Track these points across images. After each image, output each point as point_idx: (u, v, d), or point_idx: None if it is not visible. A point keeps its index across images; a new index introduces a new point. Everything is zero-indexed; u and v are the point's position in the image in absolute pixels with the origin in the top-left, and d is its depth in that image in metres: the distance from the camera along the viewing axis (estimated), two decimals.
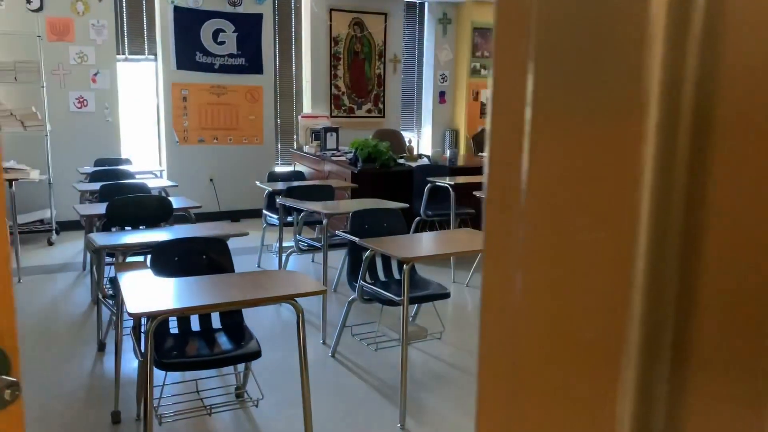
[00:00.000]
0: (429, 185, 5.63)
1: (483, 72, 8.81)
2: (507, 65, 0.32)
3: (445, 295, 3.50)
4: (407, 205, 4.42)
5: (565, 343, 0.32)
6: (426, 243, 3.32)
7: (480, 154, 7.33)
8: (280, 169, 8.08)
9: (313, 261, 5.88)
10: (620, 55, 0.28)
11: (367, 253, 3.28)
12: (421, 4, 8.73)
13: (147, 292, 2.41)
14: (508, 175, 0.35)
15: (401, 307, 3.48)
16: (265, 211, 5.56)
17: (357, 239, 3.38)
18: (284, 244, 5.12)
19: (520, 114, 0.33)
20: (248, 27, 7.49)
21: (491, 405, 0.38)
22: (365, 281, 3.44)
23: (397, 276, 3.79)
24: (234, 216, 7.65)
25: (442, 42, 8.81)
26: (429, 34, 8.81)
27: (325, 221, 4.03)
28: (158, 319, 2.17)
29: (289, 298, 2.37)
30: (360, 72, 8.28)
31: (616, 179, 0.28)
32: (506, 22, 0.32)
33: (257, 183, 5.52)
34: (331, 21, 8.01)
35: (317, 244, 4.43)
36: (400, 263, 3.77)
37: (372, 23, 8.24)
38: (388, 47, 8.39)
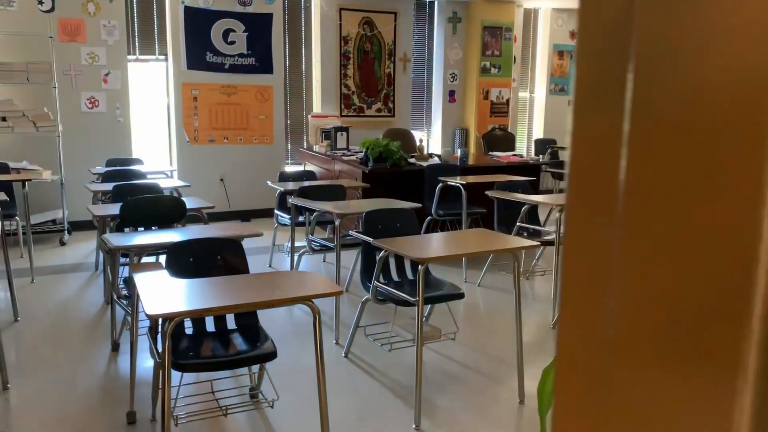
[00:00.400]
0: (440, 185, 5.61)
1: (493, 71, 8.78)
2: (597, 67, 0.31)
3: (460, 296, 3.48)
4: (419, 205, 4.41)
5: (673, 366, 0.31)
6: (441, 243, 3.30)
7: (491, 153, 7.30)
8: (290, 168, 8.08)
9: (324, 261, 5.87)
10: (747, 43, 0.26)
11: (382, 253, 3.26)
12: (431, 3, 8.71)
13: (164, 293, 2.40)
14: (601, 181, 0.34)
15: (415, 307, 3.46)
16: (276, 211, 5.56)
17: (371, 240, 3.37)
18: (296, 244, 5.12)
19: (616, 121, 0.31)
20: (258, 27, 7.49)
21: (571, 415, 0.37)
22: (379, 281, 3.43)
23: (410, 276, 3.78)
24: (244, 216, 7.66)
25: (451, 41, 8.78)
26: (439, 33, 8.79)
27: (337, 221, 4.02)
28: (175, 321, 2.17)
29: (306, 299, 2.36)
30: (370, 71, 8.27)
31: (736, 188, 0.27)
32: (597, 18, 0.30)
33: (268, 183, 5.52)
34: (340, 20, 8.00)
35: (330, 244, 4.42)
36: (414, 263, 3.76)
37: (382, 22, 8.23)
38: (397, 46, 8.37)
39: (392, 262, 3.75)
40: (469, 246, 3.25)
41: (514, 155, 7.02)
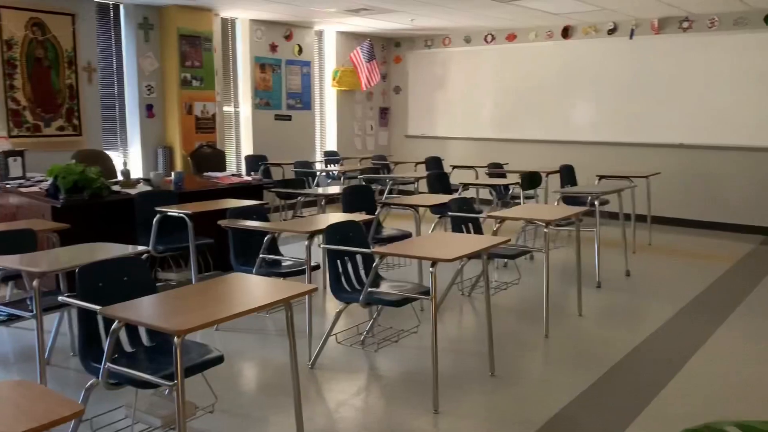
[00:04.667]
0: (158, 216, 4.76)
1: (195, 83, 8.01)
2: None
3: (219, 360, 2.81)
4: (148, 249, 3.57)
5: None
6: (193, 302, 2.58)
7: (205, 174, 6.57)
8: None
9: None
10: None
11: (116, 325, 2.43)
12: (116, 6, 7.59)
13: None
14: None
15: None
16: None
17: (96, 308, 2.51)
18: None
19: None
20: None
21: None
22: (109, 360, 2.57)
23: (147, 342, 2.96)
24: None
25: (144, 49, 7.77)
26: (128, 41, 7.70)
27: (35, 282, 2.98)
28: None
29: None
30: (45, 82, 6.85)
31: None
32: None
33: None
34: (0, 20, 6.46)
35: (23, 314, 3.29)
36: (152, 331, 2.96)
37: (56, 25, 6.88)
38: (79, 54, 7.10)
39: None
40: (233, 302, 2.61)
41: (233, 175, 6.42)
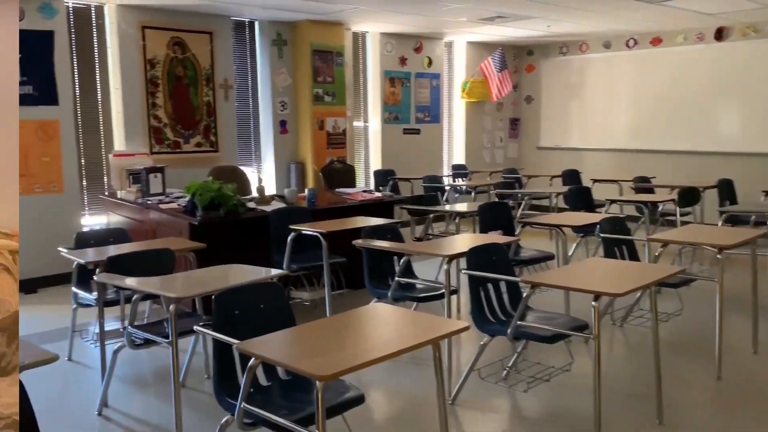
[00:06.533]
0: (293, 234, 4.63)
1: (327, 98, 7.97)
2: None
3: (360, 399, 2.54)
4: (285, 272, 3.39)
5: None
6: (339, 339, 2.32)
7: (337, 190, 6.44)
8: (88, 220, 6.58)
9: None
10: None
11: (252, 362, 2.21)
12: (251, 23, 7.71)
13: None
14: None
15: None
16: (74, 289, 4.13)
17: (233, 341, 2.31)
18: (107, 328, 3.80)
19: None
20: (35, 47, 5.96)
21: None
22: (245, 399, 2.36)
23: (282, 375, 2.75)
24: (29, 287, 5.98)
25: (278, 65, 7.84)
26: (263, 57, 7.80)
27: (171, 308, 2.87)
28: None
29: None
30: (185, 99, 7.04)
31: None
32: None
33: (61, 251, 4.09)
34: (144, 40, 6.71)
35: (159, 339, 3.19)
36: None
37: (195, 43, 7.07)
38: (216, 71, 7.25)
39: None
40: (378, 341, 2.32)
41: (364, 191, 6.24)
